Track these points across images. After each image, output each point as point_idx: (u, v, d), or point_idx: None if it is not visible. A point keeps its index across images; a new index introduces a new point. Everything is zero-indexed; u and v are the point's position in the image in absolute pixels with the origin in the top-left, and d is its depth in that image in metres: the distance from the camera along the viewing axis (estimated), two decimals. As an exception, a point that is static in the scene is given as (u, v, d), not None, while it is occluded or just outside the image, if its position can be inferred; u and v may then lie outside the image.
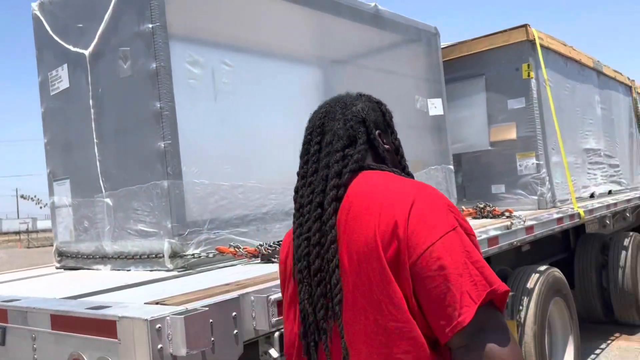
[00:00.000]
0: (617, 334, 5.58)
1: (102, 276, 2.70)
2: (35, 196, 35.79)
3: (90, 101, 2.88)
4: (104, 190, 2.84)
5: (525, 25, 4.80)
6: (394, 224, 1.12)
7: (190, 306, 1.59)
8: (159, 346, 1.45)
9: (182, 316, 1.45)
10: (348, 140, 1.31)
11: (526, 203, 4.74)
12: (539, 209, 4.66)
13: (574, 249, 5.56)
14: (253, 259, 2.61)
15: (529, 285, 3.75)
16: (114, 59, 2.72)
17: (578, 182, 5.33)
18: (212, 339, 1.58)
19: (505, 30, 4.92)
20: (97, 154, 2.87)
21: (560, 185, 4.94)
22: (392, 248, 1.11)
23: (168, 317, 1.47)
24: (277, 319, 1.77)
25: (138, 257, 2.67)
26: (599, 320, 5.59)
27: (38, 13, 3.21)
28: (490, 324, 1.08)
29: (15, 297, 2.06)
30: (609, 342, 5.39)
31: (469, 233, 1.16)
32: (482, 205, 4.26)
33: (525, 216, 3.97)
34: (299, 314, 1.27)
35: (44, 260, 3.81)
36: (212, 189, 2.70)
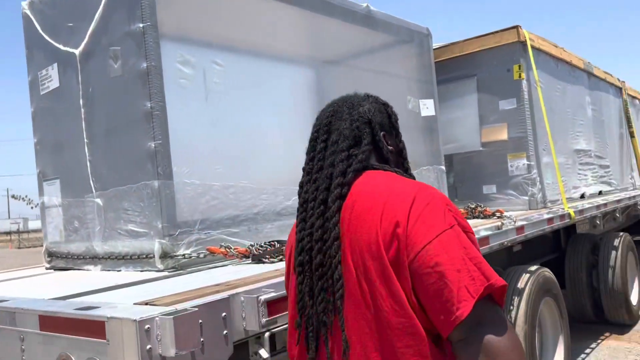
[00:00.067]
0: (607, 334, 5.61)
1: (92, 277, 2.68)
2: (26, 196, 35.64)
3: (81, 101, 2.87)
4: (94, 190, 2.83)
5: (516, 27, 4.82)
6: (395, 224, 1.16)
7: (179, 307, 1.58)
8: (148, 347, 1.44)
9: (171, 317, 1.45)
10: (353, 141, 1.35)
11: (517, 203, 4.76)
12: (529, 209, 4.69)
13: (564, 249, 5.59)
14: (244, 259, 2.61)
15: (520, 285, 3.77)
16: (105, 58, 2.71)
17: (569, 183, 5.37)
18: (202, 339, 1.57)
19: (496, 32, 4.95)
20: (87, 154, 2.86)
21: (551, 185, 4.97)
22: (393, 247, 1.16)
23: (157, 318, 1.47)
24: (267, 319, 1.77)
25: (128, 257, 2.65)
26: (589, 320, 5.62)
27: (28, 12, 3.19)
28: (488, 317, 1.11)
29: (3, 297, 2.05)
30: (599, 341, 5.43)
31: (467, 231, 1.20)
32: (473, 206, 4.28)
33: (516, 216, 4.00)
34: (296, 304, 1.32)
35: (35, 260, 3.78)
36: (203, 189, 2.69)
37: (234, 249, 2.64)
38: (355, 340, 1.20)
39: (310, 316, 1.28)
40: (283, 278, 1.97)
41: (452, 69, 5.07)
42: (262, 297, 1.77)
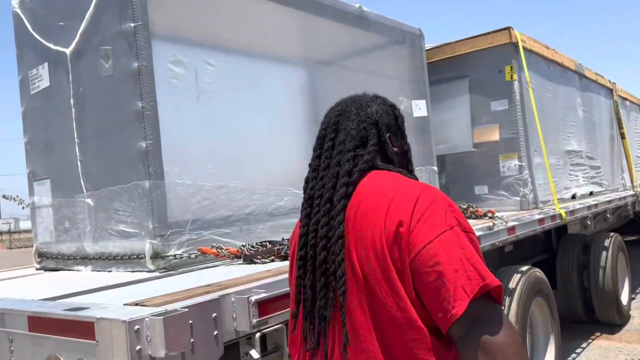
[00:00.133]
0: (597, 334, 5.64)
1: (83, 277, 2.67)
2: (17, 196, 35.36)
3: (71, 100, 2.85)
4: (85, 191, 2.81)
5: (508, 28, 4.85)
6: (398, 223, 1.20)
7: (169, 307, 1.58)
8: (138, 347, 1.44)
9: (161, 317, 1.45)
10: (360, 141, 1.38)
11: (509, 204, 4.79)
12: (521, 209, 4.71)
13: (555, 249, 5.62)
14: (235, 259, 2.60)
15: (511, 285, 3.78)
16: (96, 57, 2.70)
17: (560, 184, 5.39)
18: (192, 340, 1.57)
19: (488, 33, 4.97)
20: (78, 154, 2.84)
21: (542, 186, 5.00)
22: (397, 246, 1.19)
23: (147, 319, 1.46)
24: (258, 320, 1.77)
25: (119, 258, 2.64)
26: (580, 320, 5.66)
27: (18, 11, 3.17)
28: (484, 315, 1.14)
29: (-8, 298, 2.03)
30: (589, 341, 5.46)
31: (468, 231, 1.24)
32: (465, 206, 4.29)
33: (507, 217, 4.01)
34: (296, 297, 1.35)
35: (27, 261, 3.76)
36: (194, 189, 2.68)
37: (226, 249, 2.63)
38: (355, 335, 1.24)
39: (311, 311, 1.32)
40: (274, 279, 1.98)
41: (444, 70, 5.08)
42: (253, 298, 1.77)
